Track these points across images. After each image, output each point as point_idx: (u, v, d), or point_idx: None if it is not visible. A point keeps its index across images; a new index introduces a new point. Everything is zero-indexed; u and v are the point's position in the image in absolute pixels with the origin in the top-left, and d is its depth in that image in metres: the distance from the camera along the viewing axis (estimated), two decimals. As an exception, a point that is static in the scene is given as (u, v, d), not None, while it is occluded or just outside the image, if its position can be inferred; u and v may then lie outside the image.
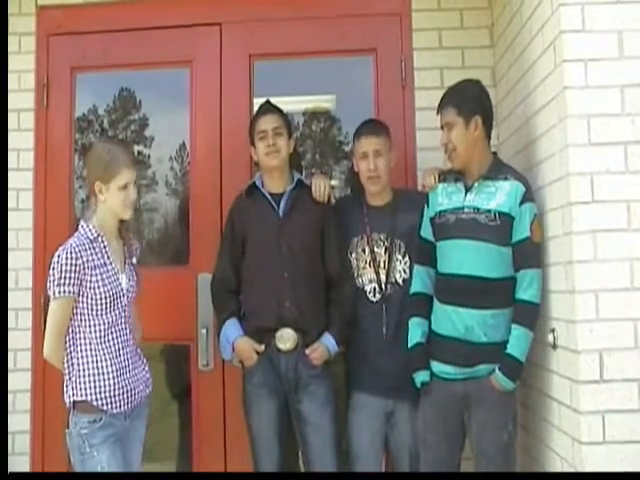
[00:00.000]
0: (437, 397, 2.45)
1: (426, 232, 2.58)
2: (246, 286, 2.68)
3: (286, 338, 2.58)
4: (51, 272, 2.27)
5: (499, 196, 2.39)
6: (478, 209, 2.41)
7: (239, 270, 2.69)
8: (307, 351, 2.58)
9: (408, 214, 2.64)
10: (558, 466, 2.28)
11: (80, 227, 2.37)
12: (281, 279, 2.60)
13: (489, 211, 2.39)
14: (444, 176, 2.57)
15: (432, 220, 2.55)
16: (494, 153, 2.53)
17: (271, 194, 2.69)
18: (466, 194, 2.46)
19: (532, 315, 2.35)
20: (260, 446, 2.61)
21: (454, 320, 2.41)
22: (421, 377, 2.48)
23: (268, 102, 2.75)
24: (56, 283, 2.24)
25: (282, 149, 2.66)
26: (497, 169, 2.45)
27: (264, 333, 2.59)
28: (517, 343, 2.32)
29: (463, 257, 2.42)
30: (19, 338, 3.05)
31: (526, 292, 2.34)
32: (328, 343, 2.60)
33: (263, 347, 2.59)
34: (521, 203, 2.35)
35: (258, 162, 2.77)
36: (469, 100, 2.45)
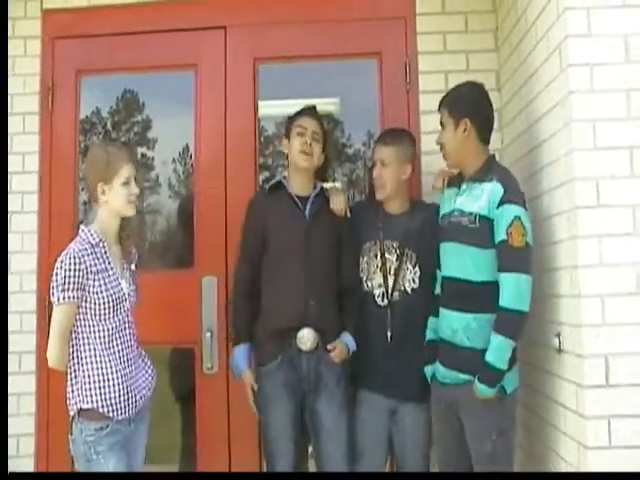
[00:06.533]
0: (435, 396, 2.51)
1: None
2: (267, 283, 2.66)
3: (307, 338, 2.58)
4: (54, 278, 2.24)
5: (483, 198, 2.35)
6: (463, 212, 2.40)
7: (259, 270, 2.67)
8: (329, 346, 2.59)
9: (423, 226, 2.64)
10: (564, 471, 2.27)
11: (81, 232, 2.34)
12: (306, 279, 2.59)
13: (471, 214, 2.37)
14: (452, 181, 2.57)
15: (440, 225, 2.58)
16: (492, 156, 2.50)
17: (297, 196, 2.69)
18: (457, 197, 2.47)
19: (507, 321, 2.25)
20: (277, 448, 2.58)
21: (445, 323, 2.44)
22: (428, 371, 2.53)
23: (314, 108, 2.76)
24: (60, 289, 2.21)
25: (316, 155, 2.68)
26: (487, 171, 2.41)
27: (285, 333, 2.58)
28: (493, 351, 2.25)
29: (450, 259, 2.44)
30: (24, 341, 3.05)
31: (502, 298, 2.25)
32: (348, 341, 2.63)
33: (257, 386, 2.59)
34: (499, 205, 2.30)
35: (287, 158, 2.74)
36: (461, 102, 2.46)
